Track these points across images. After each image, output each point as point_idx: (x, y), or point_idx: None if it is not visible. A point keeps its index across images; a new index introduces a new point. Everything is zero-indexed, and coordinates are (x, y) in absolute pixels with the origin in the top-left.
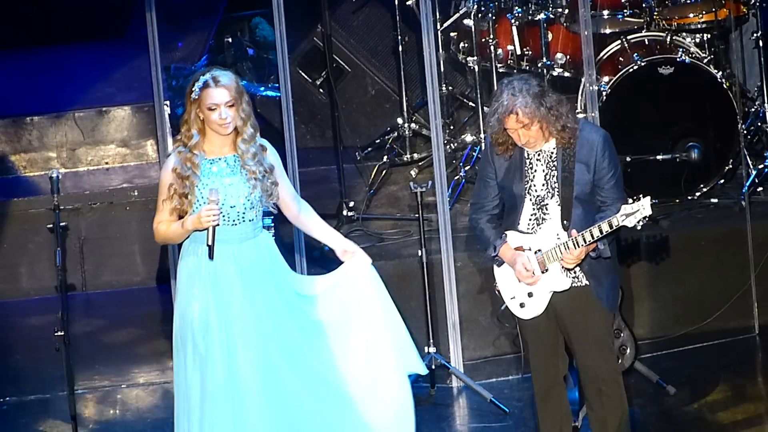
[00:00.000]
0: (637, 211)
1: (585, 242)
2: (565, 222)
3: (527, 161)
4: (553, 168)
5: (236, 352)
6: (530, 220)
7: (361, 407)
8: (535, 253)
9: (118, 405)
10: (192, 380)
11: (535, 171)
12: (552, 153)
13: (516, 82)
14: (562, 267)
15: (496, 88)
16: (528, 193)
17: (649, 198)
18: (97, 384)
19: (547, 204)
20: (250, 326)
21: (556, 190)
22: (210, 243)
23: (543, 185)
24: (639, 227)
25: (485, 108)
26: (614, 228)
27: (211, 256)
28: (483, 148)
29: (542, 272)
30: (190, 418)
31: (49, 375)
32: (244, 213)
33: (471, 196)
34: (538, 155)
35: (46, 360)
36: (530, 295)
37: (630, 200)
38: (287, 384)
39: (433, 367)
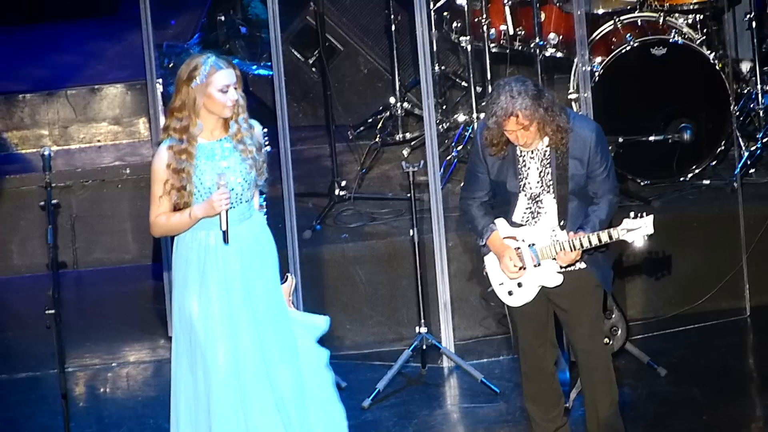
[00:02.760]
0: (639, 228)
1: (582, 246)
2: (562, 222)
3: (520, 159)
4: (547, 165)
5: (238, 341)
6: (525, 213)
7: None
8: (529, 246)
9: (108, 383)
10: (184, 376)
11: (529, 168)
12: (545, 151)
13: (513, 84)
14: (556, 263)
15: (489, 90)
16: (522, 189)
17: (652, 217)
18: (88, 362)
19: (541, 199)
20: (250, 313)
21: (552, 186)
22: (225, 228)
23: (537, 182)
24: (639, 245)
25: (477, 88)
26: (613, 240)
27: (226, 240)
28: (473, 145)
29: (534, 266)
30: (178, 413)
31: (40, 353)
32: (241, 194)
33: (462, 183)
34: (532, 153)
35: (36, 338)
36: (519, 285)
37: (632, 214)
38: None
39: (424, 347)
